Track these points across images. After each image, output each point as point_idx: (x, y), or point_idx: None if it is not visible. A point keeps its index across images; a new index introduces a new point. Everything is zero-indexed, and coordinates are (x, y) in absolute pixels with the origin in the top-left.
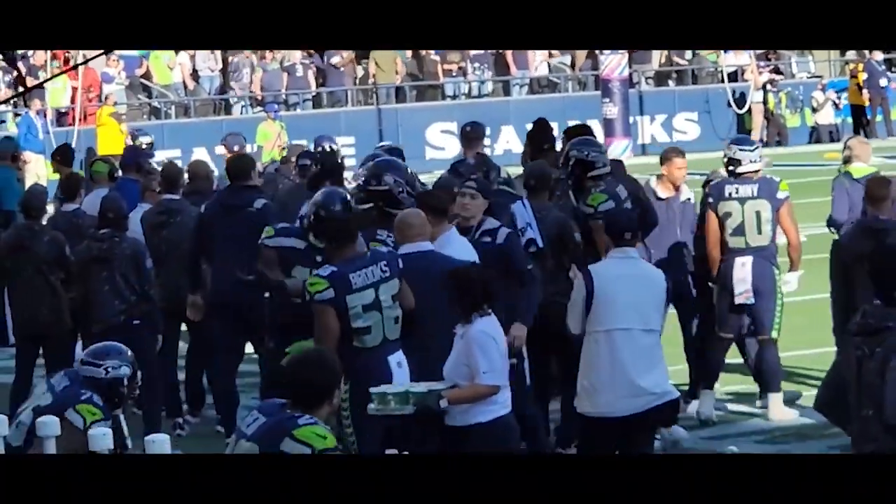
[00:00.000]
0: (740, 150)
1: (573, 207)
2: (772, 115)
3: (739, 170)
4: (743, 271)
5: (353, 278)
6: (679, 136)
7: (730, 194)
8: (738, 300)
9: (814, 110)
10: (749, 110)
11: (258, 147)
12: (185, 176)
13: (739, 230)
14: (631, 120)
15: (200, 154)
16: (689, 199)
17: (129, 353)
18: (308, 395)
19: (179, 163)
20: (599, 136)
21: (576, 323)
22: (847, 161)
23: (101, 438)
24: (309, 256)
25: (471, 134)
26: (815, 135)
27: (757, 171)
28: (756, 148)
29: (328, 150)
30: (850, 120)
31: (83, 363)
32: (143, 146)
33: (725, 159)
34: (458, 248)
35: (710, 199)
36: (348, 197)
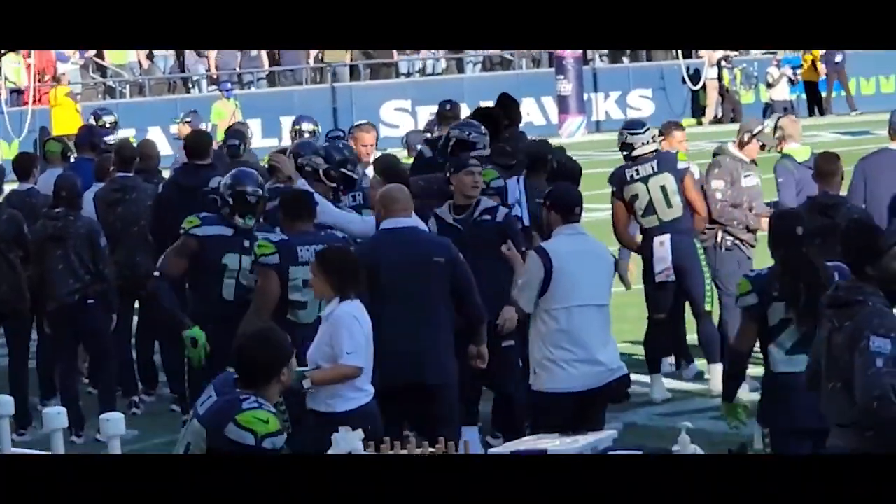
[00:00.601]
0: (631, 134)
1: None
2: (727, 92)
3: (634, 153)
4: (662, 250)
5: (300, 251)
6: (633, 112)
7: (631, 177)
8: (658, 279)
9: (769, 86)
10: (703, 86)
11: (213, 126)
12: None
13: (650, 209)
14: (585, 97)
15: (155, 133)
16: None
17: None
18: (254, 374)
19: (134, 142)
20: (554, 113)
21: (529, 302)
22: (781, 140)
23: (56, 417)
24: (238, 243)
25: (449, 113)
26: (770, 111)
27: (653, 152)
28: (647, 129)
29: (307, 131)
30: (804, 96)
31: None
32: (107, 125)
33: (619, 146)
34: None
35: (614, 188)
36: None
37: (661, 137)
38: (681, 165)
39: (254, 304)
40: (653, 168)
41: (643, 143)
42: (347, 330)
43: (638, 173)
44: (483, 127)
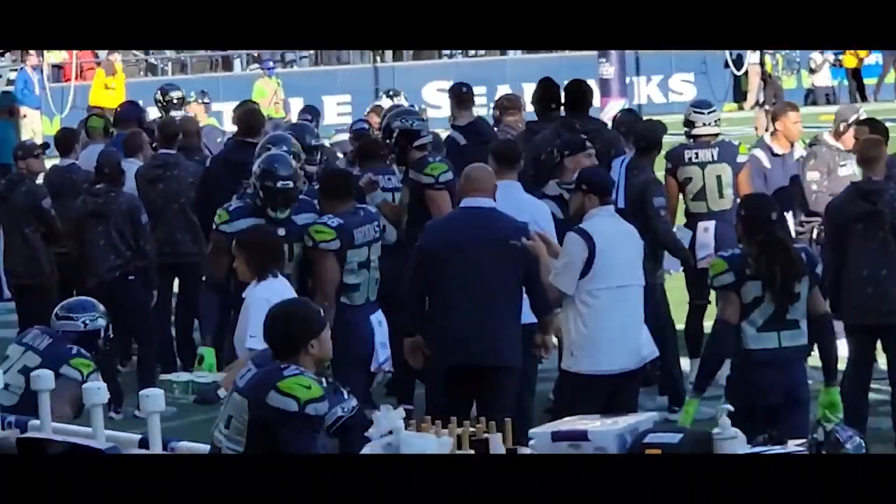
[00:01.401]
0: (695, 112)
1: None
2: (769, 77)
3: (694, 131)
4: (706, 236)
5: (356, 234)
6: (675, 96)
7: (689, 159)
8: (700, 265)
9: (811, 71)
10: (746, 72)
11: (254, 104)
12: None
13: (701, 195)
14: (627, 80)
15: (197, 110)
16: (802, 156)
17: (101, 306)
18: (285, 347)
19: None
20: (596, 96)
21: (571, 284)
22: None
23: (97, 392)
24: (272, 231)
25: (465, 95)
26: (812, 97)
27: (715, 135)
28: (713, 111)
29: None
30: (846, 82)
31: (58, 318)
32: (174, 101)
33: (683, 122)
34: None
35: (669, 164)
36: (289, 158)
37: (775, 119)
38: (741, 159)
39: (319, 291)
40: (713, 156)
41: (704, 124)
42: (255, 313)
43: (697, 157)
44: (421, 114)
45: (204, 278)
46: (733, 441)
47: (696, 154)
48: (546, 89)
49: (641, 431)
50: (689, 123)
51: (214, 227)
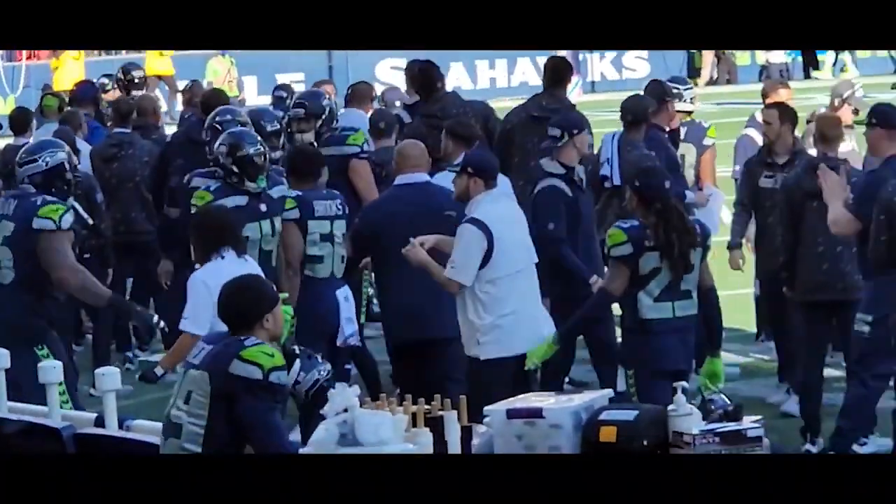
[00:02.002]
0: (672, 88)
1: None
2: (723, 54)
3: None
4: None
5: (316, 205)
6: (629, 73)
7: None
8: None
9: None
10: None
11: (208, 83)
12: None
13: None
14: (580, 57)
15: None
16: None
17: (61, 142)
18: (239, 322)
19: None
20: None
21: (470, 276)
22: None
23: (52, 371)
24: (255, 209)
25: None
26: (766, 73)
27: (689, 113)
28: (689, 87)
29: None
30: (800, 59)
31: (20, 164)
32: (136, 80)
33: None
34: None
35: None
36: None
37: (765, 96)
38: (707, 141)
39: (282, 260)
40: (681, 135)
41: (681, 100)
42: (191, 295)
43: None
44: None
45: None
46: (688, 418)
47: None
48: (428, 72)
49: (597, 408)
50: None
51: (195, 208)
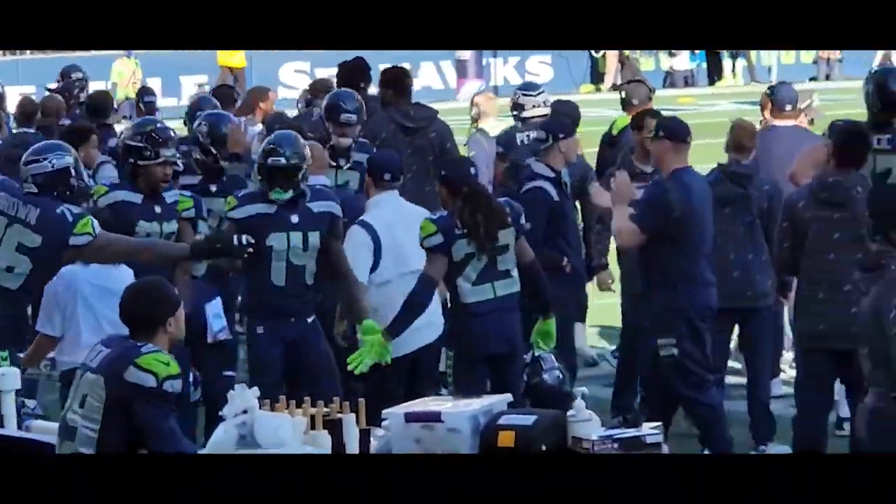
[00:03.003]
0: (524, 95)
1: None
2: (626, 59)
3: (523, 115)
4: None
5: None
6: (532, 78)
7: (521, 141)
8: None
9: (670, 54)
10: (604, 54)
11: (113, 84)
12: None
13: None
14: (484, 62)
15: None
16: None
17: (69, 146)
18: (141, 325)
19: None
20: (452, 77)
21: (363, 277)
22: (476, 119)
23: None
24: (283, 219)
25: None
26: (670, 79)
27: (544, 116)
28: (541, 92)
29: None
30: (704, 65)
31: (25, 163)
32: (76, 81)
33: (511, 105)
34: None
35: (500, 149)
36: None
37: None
38: None
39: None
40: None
41: (534, 106)
42: (45, 298)
43: (529, 139)
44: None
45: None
46: (587, 423)
47: (528, 136)
48: (354, 70)
49: (496, 413)
50: (517, 107)
51: (224, 214)
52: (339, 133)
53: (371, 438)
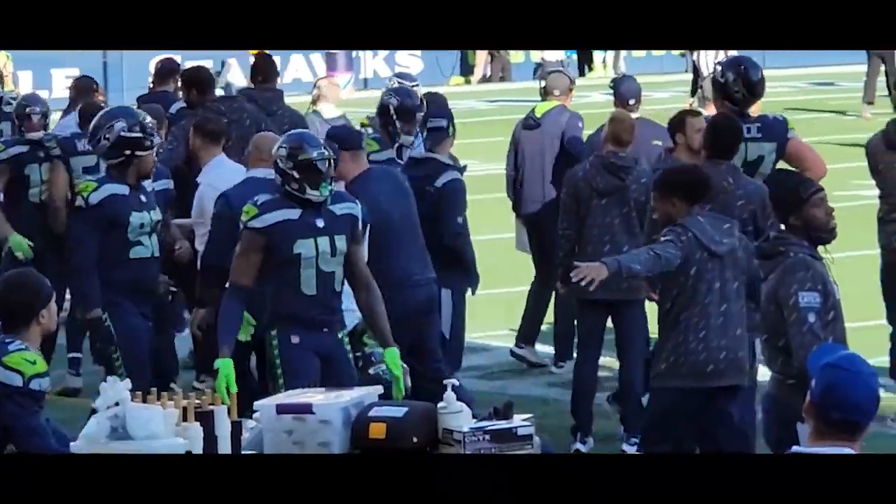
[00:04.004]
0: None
1: None
2: (497, 52)
3: None
4: None
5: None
6: (402, 70)
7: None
8: None
9: None
10: None
11: None
12: None
13: None
14: (353, 54)
15: None
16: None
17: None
18: (13, 318)
19: None
20: (321, 70)
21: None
22: (315, 101)
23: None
24: (309, 224)
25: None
26: (541, 71)
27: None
28: (415, 84)
29: None
30: (575, 57)
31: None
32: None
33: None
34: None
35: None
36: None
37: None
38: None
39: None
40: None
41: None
42: None
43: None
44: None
45: (228, 283)
46: (458, 415)
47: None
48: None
49: (366, 405)
50: None
51: (242, 224)
52: None
53: (242, 430)
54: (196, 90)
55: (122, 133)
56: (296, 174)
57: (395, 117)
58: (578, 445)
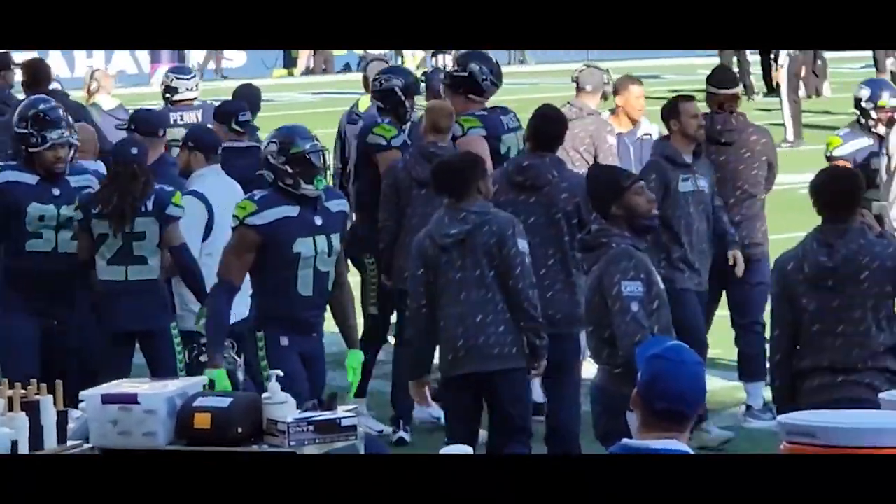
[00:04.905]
0: (177, 78)
1: None
2: None
3: (175, 98)
4: None
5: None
6: (226, 62)
7: (175, 121)
8: None
9: None
10: None
11: None
12: None
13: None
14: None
15: None
16: (647, 134)
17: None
18: None
19: None
20: (145, 62)
21: (195, 247)
22: (93, 93)
23: None
24: (308, 222)
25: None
26: (364, 62)
27: (193, 100)
28: (193, 76)
29: None
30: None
31: None
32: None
33: (162, 87)
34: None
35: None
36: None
37: (615, 92)
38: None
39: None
40: (197, 117)
41: (187, 90)
42: None
43: (182, 119)
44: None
45: (217, 279)
46: (283, 406)
47: (181, 116)
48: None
49: (191, 395)
50: (171, 90)
51: (237, 221)
52: None
53: (69, 420)
54: (32, 81)
55: (16, 129)
56: (289, 168)
57: (402, 97)
58: (402, 434)
